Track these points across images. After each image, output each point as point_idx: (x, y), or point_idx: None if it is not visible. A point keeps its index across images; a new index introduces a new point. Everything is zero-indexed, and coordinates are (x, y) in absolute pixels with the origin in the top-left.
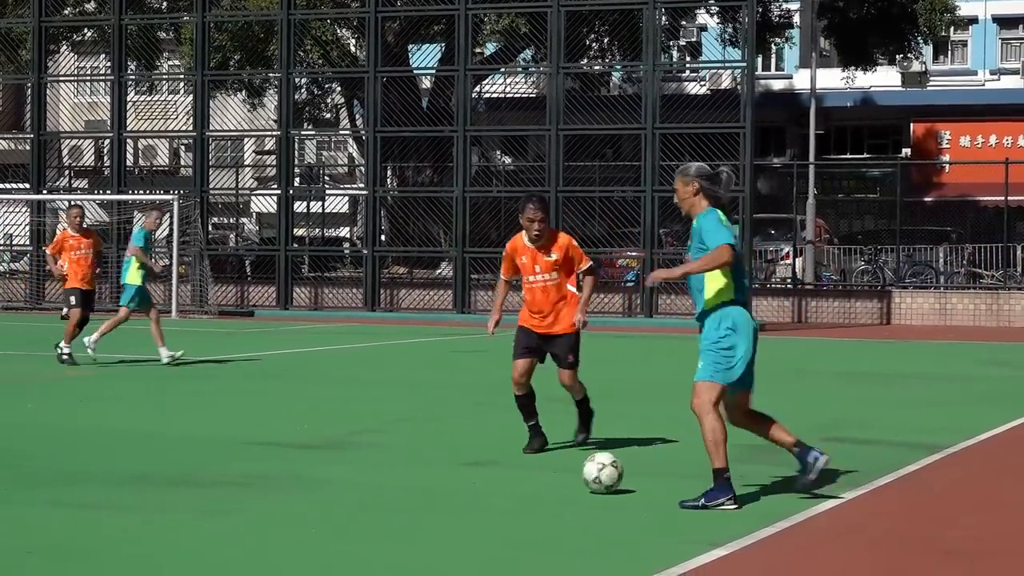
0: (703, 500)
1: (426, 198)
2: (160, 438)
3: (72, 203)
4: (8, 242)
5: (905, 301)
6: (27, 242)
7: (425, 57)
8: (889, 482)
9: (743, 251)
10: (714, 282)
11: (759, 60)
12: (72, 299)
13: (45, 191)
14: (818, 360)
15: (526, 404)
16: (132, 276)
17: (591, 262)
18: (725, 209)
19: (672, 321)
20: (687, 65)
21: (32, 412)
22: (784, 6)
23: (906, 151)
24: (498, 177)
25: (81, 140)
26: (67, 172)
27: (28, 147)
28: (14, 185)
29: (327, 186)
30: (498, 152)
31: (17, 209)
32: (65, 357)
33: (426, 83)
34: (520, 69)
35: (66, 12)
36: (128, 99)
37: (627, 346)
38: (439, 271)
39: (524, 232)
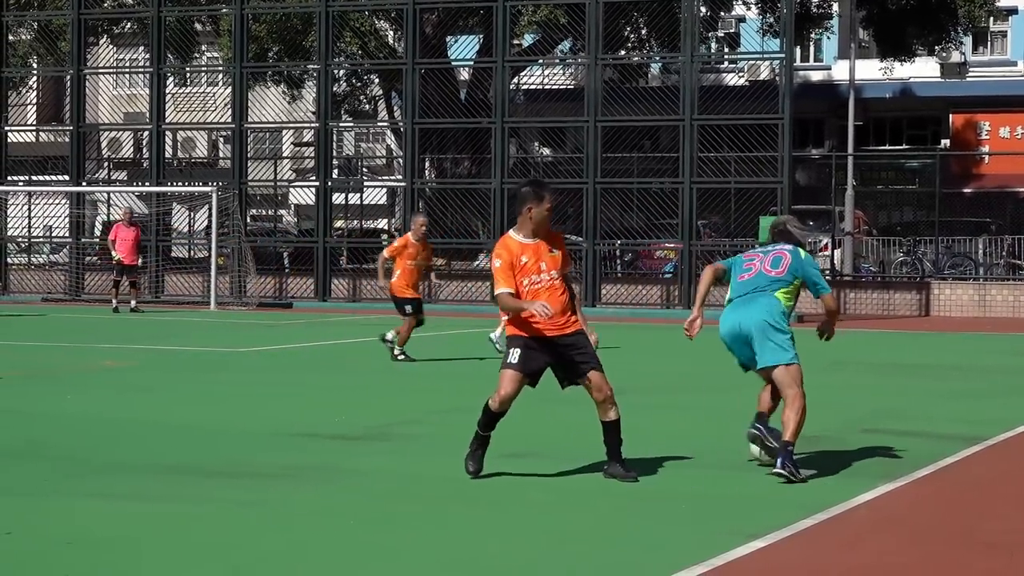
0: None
1: (464, 190)
2: (198, 430)
3: (418, 210)
4: (48, 234)
5: (944, 292)
6: (66, 234)
7: (463, 48)
8: (929, 474)
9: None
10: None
11: (797, 51)
12: (408, 308)
13: (84, 183)
14: (857, 351)
15: (497, 419)
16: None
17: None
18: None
19: (711, 312)
20: (725, 56)
21: (71, 403)
22: None
23: (945, 142)
24: (536, 168)
25: (120, 132)
26: (106, 164)
27: (67, 139)
28: (54, 177)
29: (365, 178)
30: (536, 143)
31: (57, 201)
32: (401, 357)
33: (464, 75)
34: (558, 60)
35: (105, 4)
36: (167, 91)
37: (666, 338)
38: (477, 262)
39: (519, 229)
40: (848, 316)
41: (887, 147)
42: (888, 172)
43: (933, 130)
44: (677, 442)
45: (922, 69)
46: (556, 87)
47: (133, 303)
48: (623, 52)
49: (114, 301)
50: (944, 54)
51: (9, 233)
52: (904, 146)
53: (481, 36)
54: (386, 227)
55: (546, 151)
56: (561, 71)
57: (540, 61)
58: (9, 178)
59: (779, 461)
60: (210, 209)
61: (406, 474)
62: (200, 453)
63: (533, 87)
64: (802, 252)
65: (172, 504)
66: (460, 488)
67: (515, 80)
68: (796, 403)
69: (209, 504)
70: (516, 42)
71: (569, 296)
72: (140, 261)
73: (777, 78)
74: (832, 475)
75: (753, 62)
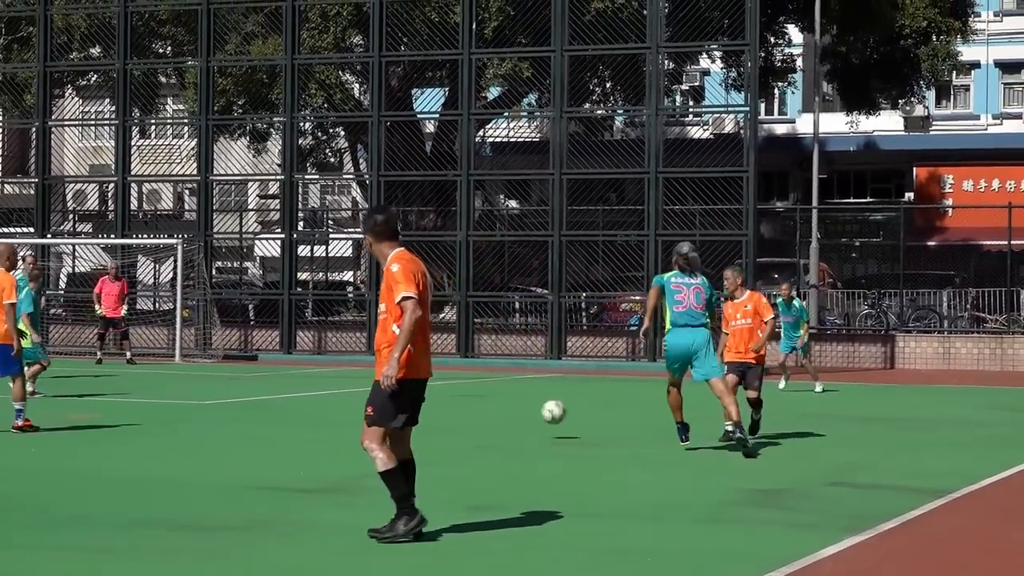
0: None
1: (430, 242)
2: (162, 482)
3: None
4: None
5: (909, 345)
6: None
7: (428, 101)
8: (894, 527)
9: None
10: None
11: (762, 104)
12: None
13: (49, 235)
14: (822, 404)
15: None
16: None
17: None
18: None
19: None
20: (690, 109)
21: (35, 456)
22: (787, 51)
23: (909, 195)
24: (502, 221)
25: (85, 184)
26: (71, 216)
27: (33, 191)
28: (18, 229)
29: (331, 230)
30: (502, 196)
31: (22, 253)
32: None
33: (430, 127)
34: (523, 113)
35: (71, 56)
36: (132, 143)
37: (631, 390)
38: (442, 315)
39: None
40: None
41: (852, 200)
42: (853, 225)
43: (897, 183)
44: (640, 495)
45: (886, 123)
46: (522, 139)
47: (128, 355)
48: (588, 105)
49: (99, 353)
50: (908, 108)
51: None
52: (868, 199)
53: (447, 89)
54: (352, 279)
55: (512, 203)
56: (527, 124)
57: (506, 114)
58: None
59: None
60: (175, 261)
61: (367, 527)
62: (164, 506)
63: (499, 139)
64: (707, 281)
65: (135, 558)
66: (424, 541)
67: (481, 132)
68: (733, 397)
69: (172, 558)
70: (482, 95)
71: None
72: (123, 312)
73: (742, 131)
74: (798, 528)
75: (718, 115)
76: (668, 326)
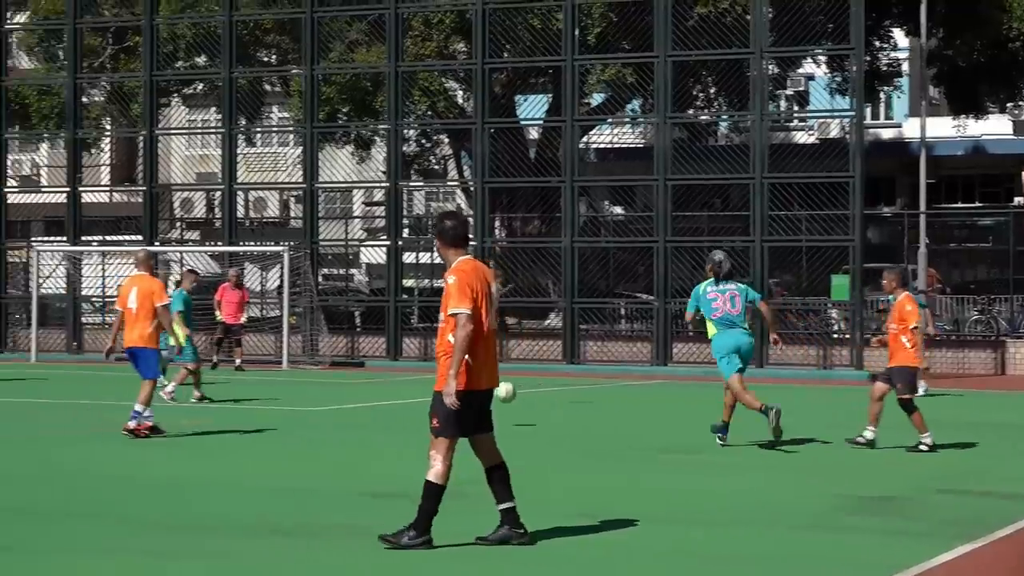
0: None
1: (534, 248)
2: (266, 489)
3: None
4: None
5: (1020, 351)
6: None
7: (532, 108)
8: (1006, 535)
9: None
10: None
11: (868, 109)
12: None
13: (157, 243)
14: (932, 411)
15: None
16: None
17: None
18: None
19: (787, 372)
20: (795, 114)
21: (142, 463)
22: (892, 55)
23: (1019, 199)
24: (606, 227)
25: (192, 192)
26: (179, 224)
27: (140, 199)
28: (127, 237)
29: None
30: (606, 202)
31: (130, 260)
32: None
33: (533, 134)
34: (627, 119)
35: (177, 66)
36: (238, 151)
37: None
38: (548, 321)
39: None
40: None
41: (960, 205)
42: (961, 230)
43: (1006, 187)
44: (745, 501)
45: (994, 126)
46: (625, 146)
47: (238, 361)
48: (692, 110)
49: (214, 358)
50: (1016, 111)
51: (84, 292)
52: (977, 203)
53: (550, 95)
54: None
55: (616, 209)
56: (630, 130)
57: (609, 120)
58: (83, 238)
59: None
60: (282, 268)
61: (477, 533)
62: (268, 512)
63: (602, 146)
64: (743, 285)
65: (233, 561)
66: (529, 547)
67: (584, 139)
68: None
69: (274, 563)
70: (585, 101)
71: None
72: (243, 319)
73: (848, 136)
74: (907, 536)
75: (823, 120)
76: (711, 332)
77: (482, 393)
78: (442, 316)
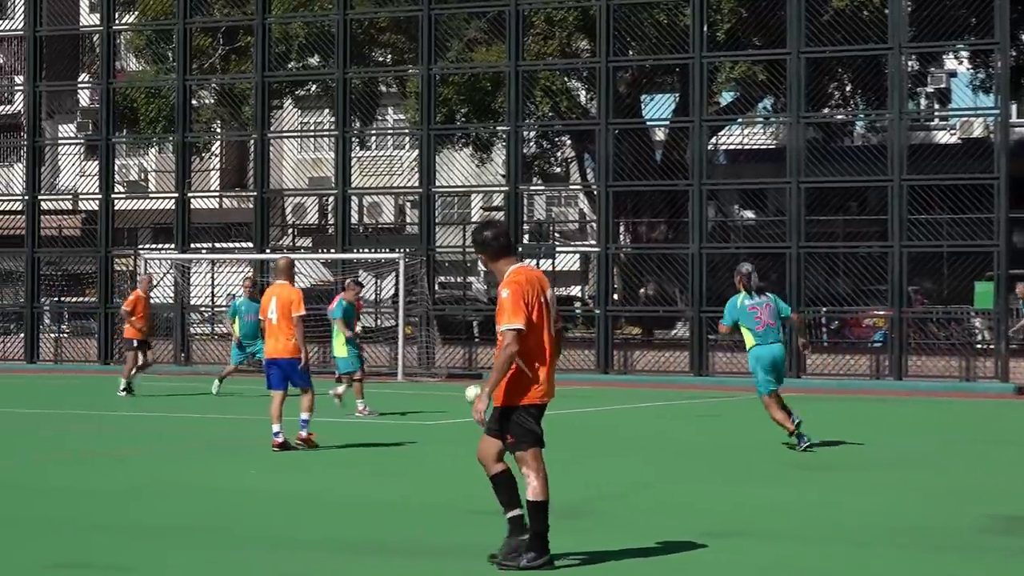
0: None
1: (661, 255)
2: (379, 504)
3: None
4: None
5: None
6: None
7: (658, 107)
8: None
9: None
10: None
11: (1013, 107)
12: None
13: (268, 250)
14: None
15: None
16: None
17: None
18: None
19: (927, 384)
20: (936, 113)
21: (253, 477)
22: None
23: None
24: (736, 233)
25: (305, 197)
26: (290, 230)
27: (251, 205)
28: (237, 244)
29: (557, 243)
30: (736, 206)
31: (240, 268)
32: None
33: (660, 135)
34: (758, 119)
35: (289, 66)
36: (352, 155)
37: (875, 411)
38: (675, 331)
39: None
40: None
41: None
42: None
43: None
44: (879, 521)
45: None
46: (757, 147)
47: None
48: (827, 109)
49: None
50: None
51: (192, 302)
52: None
53: (677, 94)
54: (579, 294)
55: (747, 214)
56: (762, 130)
57: (739, 120)
58: (192, 245)
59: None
60: (397, 276)
61: (607, 554)
62: (378, 530)
63: (732, 147)
64: (774, 296)
65: None
66: (663, 570)
67: (713, 140)
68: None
69: None
70: (714, 100)
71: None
72: (359, 329)
73: (992, 135)
74: None
75: (966, 119)
76: (750, 344)
77: (543, 406)
78: (499, 329)
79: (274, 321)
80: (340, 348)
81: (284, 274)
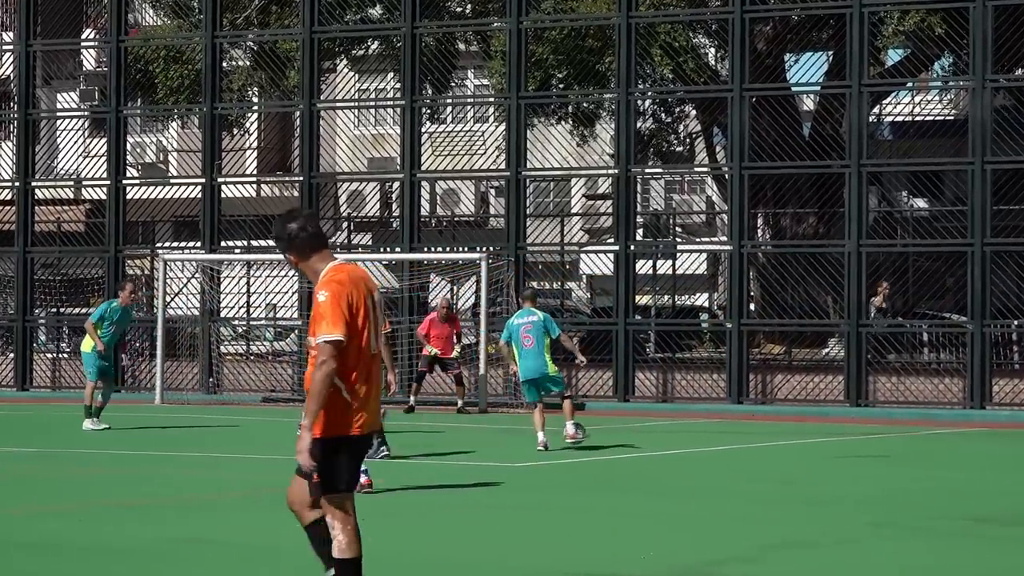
0: None
1: (808, 254)
2: (452, 566)
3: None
4: (272, 314)
5: None
6: (295, 314)
7: (807, 70)
8: None
9: None
10: None
11: None
12: None
13: None
14: None
15: None
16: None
17: None
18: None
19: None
20: None
21: (299, 531)
22: None
23: None
24: (904, 226)
25: (363, 183)
26: (346, 224)
27: (296, 192)
28: None
29: (679, 240)
30: (904, 193)
31: (282, 272)
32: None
33: (808, 104)
34: (934, 83)
35: (345, 19)
36: (423, 130)
37: None
38: (827, 350)
39: None
40: None
41: None
42: None
43: None
44: None
45: None
46: (931, 118)
47: (460, 403)
48: (1021, 71)
49: (412, 399)
50: None
51: (223, 314)
52: None
53: (830, 53)
54: (707, 303)
55: (918, 202)
56: (937, 97)
57: (910, 84)
58: (223, 243)
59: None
60: (478, 281)
61: None
62: None
63: (900, 118)
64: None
65: None
66: None
67: (876, 110)
68: None
69: None
70: (879, 59)
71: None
72: (456, 352)
73: None
74: None
75: None
76: None
77: (363, 440)
78: (311, 342)
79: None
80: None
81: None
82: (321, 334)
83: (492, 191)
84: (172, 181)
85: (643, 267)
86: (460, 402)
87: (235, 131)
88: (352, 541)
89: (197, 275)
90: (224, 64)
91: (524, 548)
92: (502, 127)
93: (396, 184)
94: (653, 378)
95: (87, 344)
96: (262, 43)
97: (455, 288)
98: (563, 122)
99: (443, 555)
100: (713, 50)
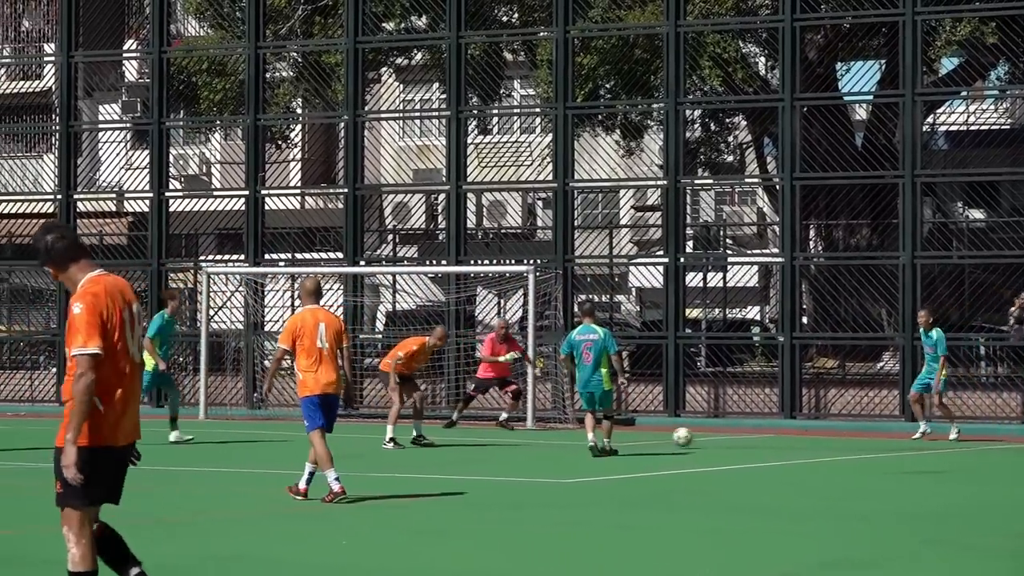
0: None
1: (862, 266)
2: None
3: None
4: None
5: None
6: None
7: (859, 79)
8: None
9: None
10: None
11: None
12: None
13: (363, 262)
14: None
15: None
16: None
17: None
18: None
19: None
20: None
21: (346, 550)
22: None
23: None
24: (960, 238)
25: (408, 195)
26: (390, 236)
27: (341, 205)
28: (323, 255)
29: (729, 252)
30: (960, 204)
31: (328, 286)
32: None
33: (860, 113)
34: (989, 92)
35: (389, 29)
36: (469, 140)
37: None
38: (881, 364)
39: None
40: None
41: None
42: None
43: None
44: None
45: None
46: (986, 127)
47: (503, 416)
48: None
49: (455, 415)
50: None
51: (267, 328)
52: None
53: (883, 62)
54: (758, 316)
55: (974, 214)
56: (993, 106)
57: (964, 93)
58: (267, 256)
59: None
60: (525, 295)
61: None
62: None
63: (955, 128)
64: None
65: None
66: None
67: (931, 119)
68: None
69: None
70: (932, 68)
71: None
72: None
73: None
74: None
75: None
76: None
77: (119, 450)
78: (68, 353)
79: (326, 351)
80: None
81: (317, 297)
82: (77, 347)
83: (539, 203)
84: (215, 193)
85: (693, 279)
86: (504, 415)
87: (279, 143)
88: (86, 555)
89: (241, 288)
90: (268, 75)
91: (576, 567)
92: (549, 138)
93: (442, 196)
94: (704, 393)
95: (148, 363)
96: (306, 54)
97: (502, 301)
98: (611, 132)
99: (495, 573)
100: (763, 59)
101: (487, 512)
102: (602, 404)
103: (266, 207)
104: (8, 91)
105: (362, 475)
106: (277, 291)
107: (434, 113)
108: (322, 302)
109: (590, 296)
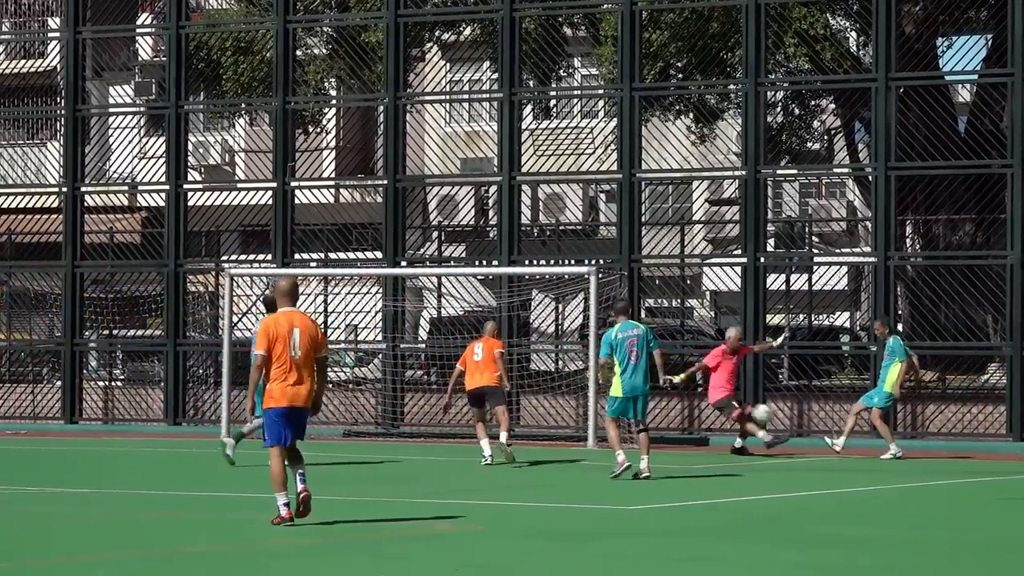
0: None
1: (965, 267)
2: None
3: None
4: (352, 336)
5: None
6: (378, 337)
7: (963, 56)
8: None
9: None
10: None
11: None
12: None
13: (404, 262)
14: None
15: None
16: None
17: None
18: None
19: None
20: None
21: None
22: None
23: None
24: None
25: (456, 187)
26: (435, 233)
27: (380, 198)
28: (360, 254)
29: (816, 251)
30: None
31: (365, 290)
32: None
33: (964, 95)
34: None
35: (434, 1)
36: (523, 126)
37: None
38: (987, 377)
39: None
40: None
41: None
42: None
43: None
44: None
45: None
46: None
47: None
48: None
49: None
50: None
51: None
52: None
53: (990, 37)
54: (847, 323)
55: None
56: None
57: None
58: (297, 256)
59: None
60: (586, 299)
61: None
62: None
63: None
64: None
65: None
66: None
67: None
68: None
69: None
70: None
71: None
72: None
73: None
74: None
75: None
76: None
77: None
78: None
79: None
80: None
81: (293, 299)
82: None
83: (602, 196)
84: (239, 186)
85: (774, 282)
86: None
87: (311, 129)
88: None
89: (267, 292)
90: (299, 53)
91: None
92: (613, 123)
93: (493, 188)
94: (787, 408)
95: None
96: (341, 29)
97: (560, 307)
98: (682, 117)
99: None
100: (854, 35)
101: (543, 541)
102: (642, 414)
103: (296, 201)
104: (8, 71)
105: (418, 501)
106: (308, 295)
107: (485, 95)
108: (356, 305)
109: (623, 295)
